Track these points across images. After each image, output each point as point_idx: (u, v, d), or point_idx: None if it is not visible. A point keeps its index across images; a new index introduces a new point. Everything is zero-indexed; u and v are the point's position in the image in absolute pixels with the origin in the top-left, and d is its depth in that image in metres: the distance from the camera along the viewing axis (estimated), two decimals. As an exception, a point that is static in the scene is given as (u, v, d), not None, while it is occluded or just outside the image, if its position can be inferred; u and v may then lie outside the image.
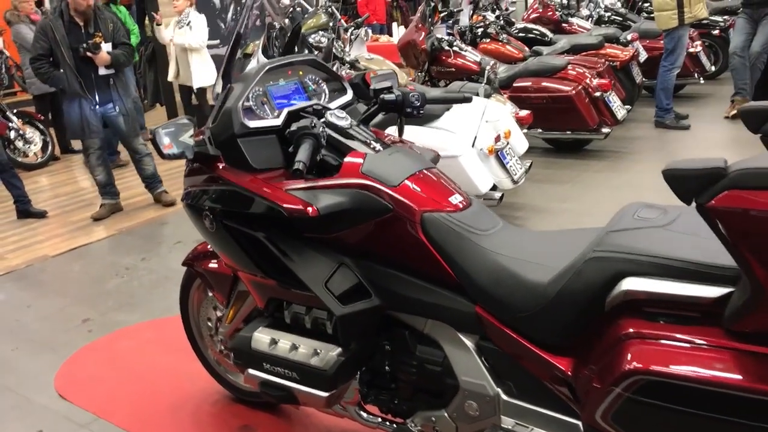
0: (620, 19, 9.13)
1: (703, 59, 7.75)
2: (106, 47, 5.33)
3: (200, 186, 2.21)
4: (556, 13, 8.44)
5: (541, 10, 8.44)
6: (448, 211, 1.93)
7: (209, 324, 2.77)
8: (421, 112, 2.27)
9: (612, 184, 5.24)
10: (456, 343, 1.92)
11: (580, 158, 6.07)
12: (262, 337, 2.17)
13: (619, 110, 5.93)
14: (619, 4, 9.57)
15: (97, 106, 5.43)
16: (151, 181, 5.89)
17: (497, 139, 4.36)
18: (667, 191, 1.37)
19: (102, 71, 5.39)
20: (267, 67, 2.18)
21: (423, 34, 6.44)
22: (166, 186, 5.95)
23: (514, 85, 5.88)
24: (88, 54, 5.24)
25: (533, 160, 5.00)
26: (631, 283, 1.52)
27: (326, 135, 2.02)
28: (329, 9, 9.18)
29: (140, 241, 5.10)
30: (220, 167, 2.12)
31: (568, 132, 5.96)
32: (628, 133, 6.59)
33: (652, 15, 9.66)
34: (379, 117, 2.32)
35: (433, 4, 6.62)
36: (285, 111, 2.16)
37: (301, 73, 2.33)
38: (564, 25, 8.40)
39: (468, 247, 1.87)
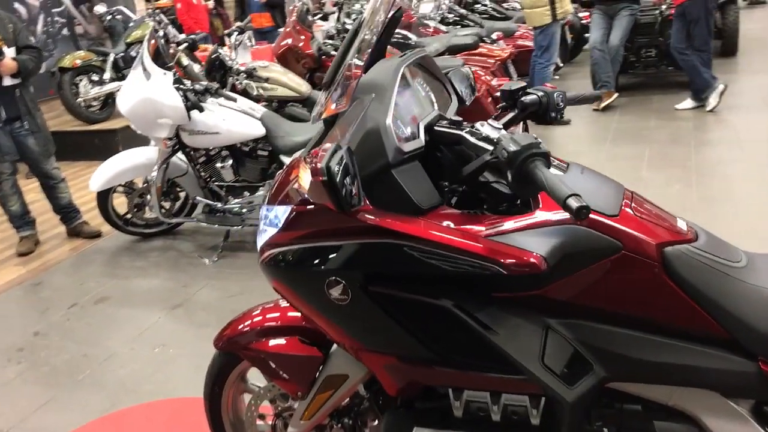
0: (459, 19, 9.17)
1: (555, 55, 7.95)
2: (9, 52, 4.32)
3: (318, 241, 1.54)
4: (414, 16, 8.22)
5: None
6: (688, 241, 1.47)
7: (259, 423, 2.05)
8: (563, 116, 1.80)
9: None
10: (725, 413, 1.46)
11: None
12: (431, 443, 1.56)
13: (519, 108, 5.80)
14: (457, 7, 9.62)
15: (4, 124, 4.47)
16: (68, 211, 4.92)
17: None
18: None
19: (6, 81, 4.38)
20: (403, 67, 1.57)
21: (304, 38, 5.86)
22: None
23: (414, 88, 5.50)
24: None
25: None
26: None
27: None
28: (157, 17, 8.24)
29: (17, 311, 4.00)
30: (366, 212, 1.47)
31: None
32: (514, 131, 6.50)
33: (484, 15, 9.93)
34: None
35: (307, 6, 6.06)
36: (422, 126, 1.57)
37: (409, 75, 1.74)
38: (420, 28, 8.19)
39: (734, 287, 1.43)
